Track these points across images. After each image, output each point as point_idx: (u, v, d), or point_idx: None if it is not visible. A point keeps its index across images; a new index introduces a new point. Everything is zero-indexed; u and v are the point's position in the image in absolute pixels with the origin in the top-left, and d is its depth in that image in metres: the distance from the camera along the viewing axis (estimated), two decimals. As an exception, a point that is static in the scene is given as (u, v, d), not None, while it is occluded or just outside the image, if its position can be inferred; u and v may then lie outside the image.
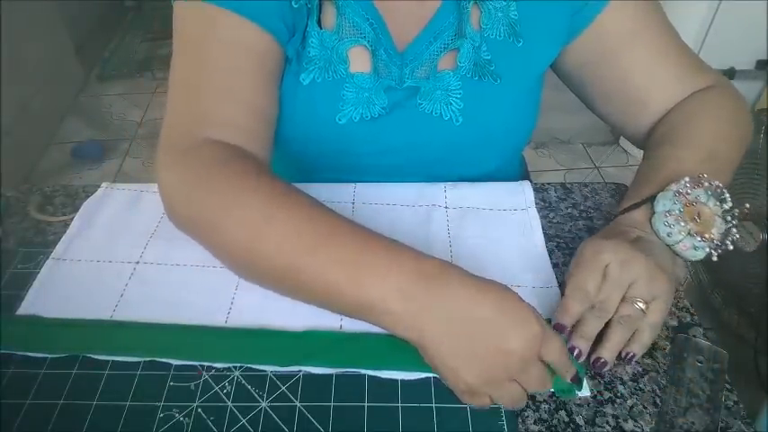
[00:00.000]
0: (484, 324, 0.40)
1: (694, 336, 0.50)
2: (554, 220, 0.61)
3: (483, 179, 0.64)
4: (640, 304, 0.45)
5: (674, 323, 0.51)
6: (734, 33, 1.54)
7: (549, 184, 0.66)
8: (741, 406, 0.45)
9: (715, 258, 0.49)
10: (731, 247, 0.49)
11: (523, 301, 0.42)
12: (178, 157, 0.50)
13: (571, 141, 1.98)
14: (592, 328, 0.46)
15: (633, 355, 0.46)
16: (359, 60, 0.58)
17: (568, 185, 0.66)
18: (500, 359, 0.40)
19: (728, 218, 0.50)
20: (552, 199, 0.64)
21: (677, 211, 0.49)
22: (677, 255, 0.50)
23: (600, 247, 0.47)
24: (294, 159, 0.64)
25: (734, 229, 0.49)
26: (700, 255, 0.49)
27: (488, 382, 0.41)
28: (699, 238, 0.49)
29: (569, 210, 0.62)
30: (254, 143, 0.53)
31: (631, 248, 0.47)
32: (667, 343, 0.50)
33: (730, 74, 1.59)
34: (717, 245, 0.49)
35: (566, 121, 1.85)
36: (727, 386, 0.46)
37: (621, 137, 1.90)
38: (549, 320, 0.49)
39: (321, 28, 0.56)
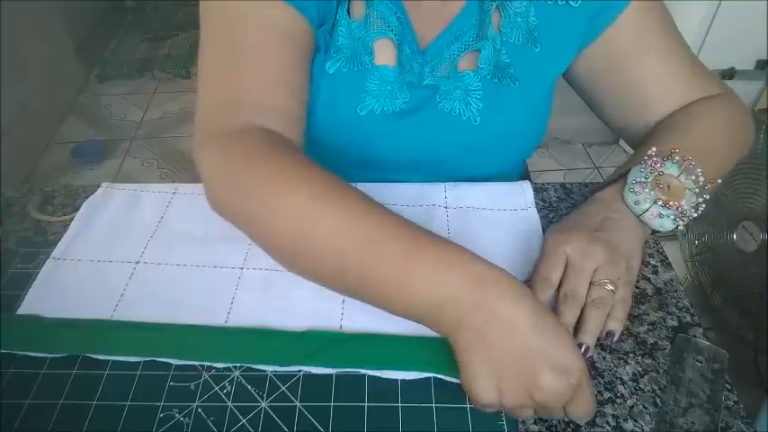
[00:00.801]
0: (523, 351, 0.39)
1: (694, 336, 0.50)
2: (554, 220, 0.61)
3: (492, 179, 0.65)
4: (609, 286, 0.47)
5: (674, 323, 0.51)
6: (734, 33, 1.54)
7: (548, 184, 0.66)
8: (741, 406, 0.45)
9: (681, 227, 0.51)
10: (695, 215, 0.50)
11: (574, 342, 0.41)
12: (218, 141, 0.49)
13: (571, 141, 1.98)
14: (569, 318, 0.47)
15: (613, 332, 0.47)
16: (384, 53, 0.58)
17: (568, 185, 0.66)
18: (525, 389, 0.40)
19: (698, 190, 0.50)
20: (552, 199, 0.64)
21: (643, 178, 0.50)
22: (646, 225, 0.51)
23: (560, 239, 0.49)
24: (310, 151, 0.63)
25: (702, 201, 0.50)
26: (667, 224, 0.50)
27: (504, 402, 0.40)
28: (664, 206, 0.49)
29: (569, 210, 0.62)
30: (291, 126, 0.53)
31: (591, 237, 0.48)
32: (667, 343, 0.50)
33: (730, 74, 1.59)
34: (683, 213, 0.50)
35: (566, 121, 1.85)
36: (727, 386, 0.46)
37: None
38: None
39: (350, 18, 0.57)
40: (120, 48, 2.54)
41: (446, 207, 0.61)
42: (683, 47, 0.62)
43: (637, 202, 0.50)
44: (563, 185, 0.66)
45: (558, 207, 0.63)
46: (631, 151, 0.65)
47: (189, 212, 0.61)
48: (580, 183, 0.66)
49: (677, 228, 0.51)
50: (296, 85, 0.54)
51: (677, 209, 0.49)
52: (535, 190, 0.64)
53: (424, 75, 0.59)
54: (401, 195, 0.62)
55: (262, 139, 0.49)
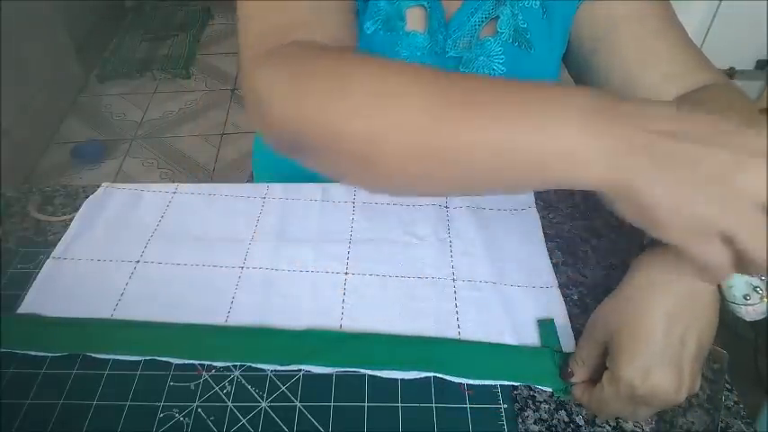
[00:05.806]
0: (705, 153, 0.31)
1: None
2: (554, 220, 0.61)
3: None
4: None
5: (674, 323, 0.51)
6: (734, 33, 1.54)
7: (549, 183, 0.66)
8: (741, 406, 0.45)
9: None
10: None
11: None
12: (266, 58, 0.44)
13: (571, 141, 1.98)
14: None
15: None
16: (415, 20, 0.59)
17: (568, 185, 0.66)
18: (723, 192, 0.30)
19: None
20: (552, 199, 0.64)
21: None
22: (733, 312, 0.41)
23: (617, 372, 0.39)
24: None
25: None
26: (760, 318, 0.41)
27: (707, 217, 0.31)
28: None
29: (569, 210, 0.62)
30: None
31: (655, 363, 0.38)
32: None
33: (730, 74, 1.59)
34: None
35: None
36: (727, 386, 0.46)
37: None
38: (551, 320, 0.50)
39: None
40: (120, 48, 2.54)
41: (446, 207, 0.61)
42: (678, 37, 0.57)
43: (747, 296, 0.40)
44: (563, 185, 0.66)
45: (558, 207, 0.63)
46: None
47: (189, 212, 0.61)
48: (580, 183, 0.66)
49: None
50: (347, 19, 0.50)
51: None
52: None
53: (447, 47, 0.60)
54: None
55: (309, 45, 0.44)
